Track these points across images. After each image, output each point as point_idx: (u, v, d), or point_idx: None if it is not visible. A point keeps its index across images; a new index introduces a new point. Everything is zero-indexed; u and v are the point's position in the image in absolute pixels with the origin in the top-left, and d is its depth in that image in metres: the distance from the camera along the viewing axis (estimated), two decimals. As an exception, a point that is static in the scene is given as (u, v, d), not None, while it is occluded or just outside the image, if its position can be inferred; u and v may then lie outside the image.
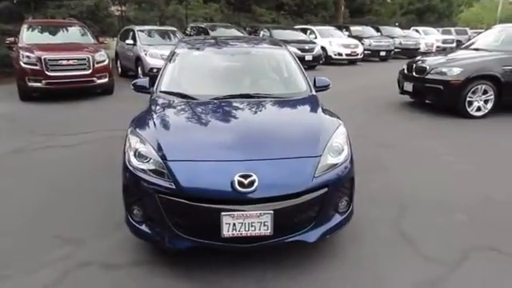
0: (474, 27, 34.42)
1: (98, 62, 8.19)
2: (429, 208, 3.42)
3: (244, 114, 2.98)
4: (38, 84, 7.66)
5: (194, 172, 2.32)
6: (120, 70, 11.80)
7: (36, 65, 7.59)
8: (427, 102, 7.21)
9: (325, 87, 3.68)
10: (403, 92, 7.68)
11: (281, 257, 2.60)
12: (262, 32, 15.43)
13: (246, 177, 2.24)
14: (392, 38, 19.33)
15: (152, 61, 9.68)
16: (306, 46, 14.03)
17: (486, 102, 6.56)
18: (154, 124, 2.74)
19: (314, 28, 17.34)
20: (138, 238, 2.57)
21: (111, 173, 4.15)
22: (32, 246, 2.80)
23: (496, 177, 4.17)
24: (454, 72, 6.51)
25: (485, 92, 6.50)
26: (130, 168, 2.48)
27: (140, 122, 2.85)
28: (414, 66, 7.23)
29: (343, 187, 2.57)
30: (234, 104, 3.07)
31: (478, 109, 6.58)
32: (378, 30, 20.59)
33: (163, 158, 2.39)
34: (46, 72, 7.61)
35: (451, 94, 6.52)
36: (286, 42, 14.96)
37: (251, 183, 2.23)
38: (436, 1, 35.84)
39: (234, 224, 2.22)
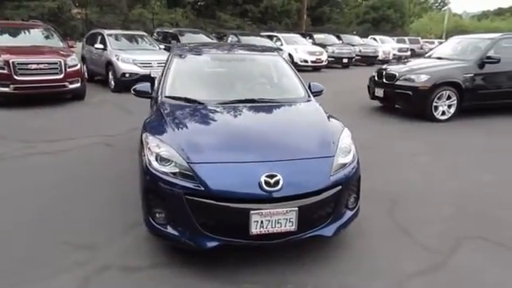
0: (423, 37, 36.78)
1: (69, 67, 7.93)
2: (417, 203, 3.72)
3: (255, 117, 3.12)
4: (6, 89, 7.29)
5: (221, 173, 2.42)
6: (87, 74, 11.43)
7: (3, 68, 7.22)
8: (397, 106, 7.70)
9: (319, 92, 3.91)
10: (374, 97, 8.14)
11: (298, 252, 2.75)
12: (229, 38, 15.59)
13: (271, 177, 2.38)
14: (353, 45, 20.25)
15: (124, 66, 9.51)
16: (275, 53, 14.35)
17: (449, 106, 7.14)
18: (172, 128, 2.80)
19: (279, 35, 17.76)
20: (162, 240, 2.62)
21: (104, 178, 4.13)
22: (43, 253, 2.75)
23: (469, 173, 4.59)
24: (422, 79, 7.03)
25: (448, 97, 7.08)
26: (153, 171, 2.52)
27: (155, 126, 2.90)
28: (384, 73, 7.70)
29: (352, 185, 2.77)
30: (243, 108, 3.20)
31: (443, 113, 7.14)
32: (339, 38, 21.49)
33: (188, 160, 2.46)
34: (15, 76, 7.26)
35: (419, 99, 7.03)
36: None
37: (276, 182, 2.37)
38: (390, 11, 37.96)
39: (262, 221, 2.34)
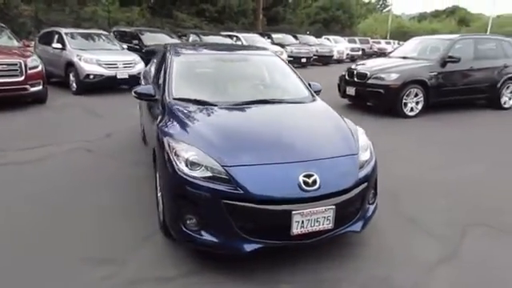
0: (369, 37, 38.66)
1: (30, 68, 7.36)
2: (415, 195, 3.92)
3: (273, 118, 3.12)
4: (-41, 93, 6.63)
5: (259, 176, 2.39)
6: (42, 76, 10.68)
7: (-44, 71, 6.56)
8: (368, 104, 8.04)
9: (318, 92, 3.98)
10: (344, 96, 8.43)
11: (325, 250, 2.79)
12: (191, 37, 15.32)
13: (308, 176, 2.40)
14: (309, 45, 20.78)
15: (88, 67, 9.01)
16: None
17: (417, 103, 7.59)
18: (194, 131, 2.72)
19: (239, 35, 17.74)
20: (195, 247, 2.54)
21: (95, 187, 3.91)
22: (63, 272, 2.55)
23: (452, 163, 4.93)
24: (392, 77, 7.41)
25: (416, 95, 7.52)
26: (183, 177, 2.44)
27: (175, 130, 2.79)
28: (355, 72, 8.01)
29: (373, 181, 2.87)
30: (258, 109, 3.18)
31: (411, 109, 7.58)
32: (296, 38, 21.95)
33: (223, 163, 2.41)
34: (-31, 79, 6.62)
35: (390, 96, 7.40)
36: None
37: (314, 182, 2.40)
38: (339, 12, 39.44)
39: (303, 221, 2.36)
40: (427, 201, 3.80)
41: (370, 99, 7.88)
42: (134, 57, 9.87)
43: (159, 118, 3.15)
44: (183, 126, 2.83)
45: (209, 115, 3.03)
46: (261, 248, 2.40)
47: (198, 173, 2.43)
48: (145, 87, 3.53)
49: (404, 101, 7.45)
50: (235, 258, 2.61)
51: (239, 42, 16.83)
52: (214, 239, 2.41)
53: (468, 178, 4.42)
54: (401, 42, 39.74)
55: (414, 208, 3.62)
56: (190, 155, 2.49)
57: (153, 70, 4.97)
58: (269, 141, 2.72)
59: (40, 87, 7.62)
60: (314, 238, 2.47)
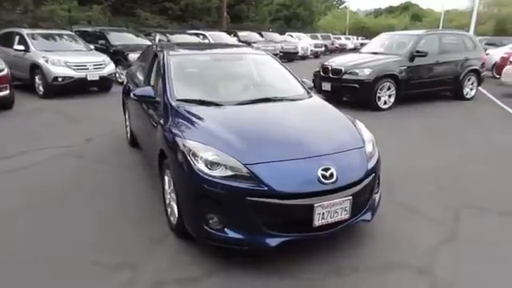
0: (330, 33, 39.68)
1: (-4, 72, 6.97)
2: (406, 183, 4.14)
3: (280, 115, 3.19)
4: None
5: (280, 172, 2.46)
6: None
7: None
8: (344, 99, 8.32)
9: (310, 89, 4.10)
10: (320, 91, 8.65)
11: (335, 241, 2.91)
12: (157, 36, 15.01)
13: (326, 170, 2.51)
14: (275, 42, 21.02)
15: (56, 69, 8.61)
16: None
17: (389, 96, 7.95)
18: (208, 131, 2.74)
19: (206, 33, 17.62)
20: (218, 245, 2.56)
21: (90, 193, 3.82)
22: (80, 278, 2.50)
23: (432, 152, 5.24)
24: (366, 72, 7.71)
25: (388, 88, 7.88)
26: (204, 177, 2.45)
27: (188, 130, 2.78)
28: (330, 68, 8.24)
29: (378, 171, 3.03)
30: (263, 107, 3.25)
31: (385, 102, 7.93)
32: (261, 36, 22.12)
33: (244, 162, 2.45)
34: None
35: (365, 91, 7.70)
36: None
37: (331, 175, 2.51)
38: (300, 9, 40.10)
39: (323, 213, 2.46)
40: (416, 188, 4.03)
41: (346, 94, 8.15)
42: (104, 57, 9.57)
43: (164, 119, 3.13)
44: (195, 126, 2.84)
45: (218, 115, 3.05)
46: (284, 242, 2.47)
47: (218, 172, 2.46)
48: (144, 89, 3.47)
49: (378, 94, 7.78)
50: (254, 253, 2.67)
51: (206, 41, 16.71)
52: (239, 236, 2.45)
53: (448, 165, 4.73)
54: (359, 38, 41.32)
55: (405, 195, 3.83)
56: (208, 155, 2.51)
57: (139, 70, 4.89)
58: (282, 137, 2.79)
59: (7, 92, 7.23)
60: (332, 228, 2.57)
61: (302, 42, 25.44)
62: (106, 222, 3.24)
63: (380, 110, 7.83)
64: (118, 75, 10.44)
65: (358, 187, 2.64)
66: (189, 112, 3.05)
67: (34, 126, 6.53)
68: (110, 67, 9.48)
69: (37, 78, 8.88)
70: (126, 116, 5.37)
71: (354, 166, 2.71)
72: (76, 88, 8.97)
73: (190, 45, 5.33)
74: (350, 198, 2.54)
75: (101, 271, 2.57)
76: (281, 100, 3.49)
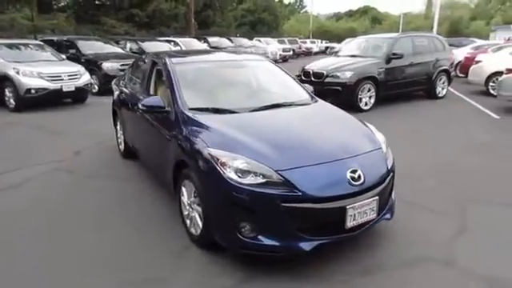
0: (294, 37, 40.43)
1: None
2: (406, 180, 4.25)
3: (296, 120, 3.24)
4: None
5: (312, 176, 2.49)
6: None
7: None
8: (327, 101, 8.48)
9: (312, 93, 4.18)
10: (302, 95, 8.80)
11: (354, 241, 2.97)
12: (128, 44, 14.67)
13: (354, 172, 2.57)
14: (245, 47, 21.14)
15: (28, 80, 8.20)
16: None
17: (370, 97, 8.22)
18: (232, 139, 2.72)
19: (177, 40, 17.46)
20: (253, 253, 2.54)
21: (94, 209, 3.68)
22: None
23: (423, 149, 5.46)
24: (347, 75, 7.93)
25: (369, 90, 8.15)
26: (236, 185, 2.44)
27: (210, 139, 2.74)
28: (312, 71, 8.41)
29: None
30: (277, 113, 3.28)
31: (366, 104, 8.19)
32: (231, 41, 22.17)
33: (276, 168, 2.46)
34: None
35: (347, 93, 7.92)
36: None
37: (359, 176, 2.57)
38: (265, 14, 40.56)
39: (355, 214, 2.52)
40: (415, 184, 4.18)
41: (329, 97, 8.30)
42: (79, 67, 9.23)
43: (178, 129, 3.08)
44: (215, 134, 2.81)
45: (235, 122, 3.03)
46: (319, 245, 2.50)
47: (249, 180, 2.46)
48: (153, 99, 3.37)
49: (359, 96, 8.03)
50: (280, 260, 2.69)
51: (178, 47, 16.54)
52: (275, 243, 2.45)
53: (441, 161, 4.96)
54: (323, 41, 42.33)
55: (408, 192, 3.94)
56: (238, 163, 2.50)
57: (134, 80, 4.78)
58: (306, 142, 2.83)
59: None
60: (360, 229, 2.64)
61: (270, 46, 25.75)
62: (118, 239, 3.12)
63: (362, 111, 8.06)
64: (92, 85, 10.11)
65: (382, 187, 2.73)
66: (204, 120, 3.01)
67: (12, 140, 6.20)
68: (85, 77, 9.16)
69: (6, 90, 8.41)
70: (118, 127, 5.21)
71: (376, 166, 2.79)
72: (50, 100, 8.59)
73: (188, 52, 5.27)
74: (377, 197, 2.62)
75: (131, 288, 2.50)
76: (289, 105, 3.53)
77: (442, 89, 9.65)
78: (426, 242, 3.04)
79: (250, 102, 3.43)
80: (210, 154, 2.61)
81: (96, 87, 10.79)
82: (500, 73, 9.13)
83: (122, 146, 5.15)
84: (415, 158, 5.10)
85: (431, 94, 9.46)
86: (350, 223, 2.51)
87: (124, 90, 4.77)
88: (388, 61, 8.44)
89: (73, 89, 8.72)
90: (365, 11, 65.24)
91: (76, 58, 11.02)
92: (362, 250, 2.90)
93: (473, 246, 2.97)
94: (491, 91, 9.77)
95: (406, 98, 9.16)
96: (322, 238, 2.51)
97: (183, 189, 3.03)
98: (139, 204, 3.76)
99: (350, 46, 9.87)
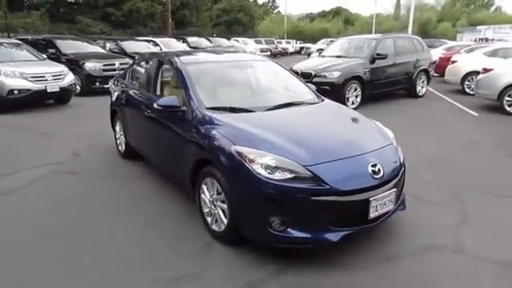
0: (269, 37, 40.78)
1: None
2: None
3: (312, 117, 3.38)
4: None
5: (338, 170, 2.63)
6: None
7: None
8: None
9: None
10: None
11: (366, 233, 3.13)
12: (107, 44, 14.39)
13: (374, 165, 2.73)
14: (223, 47, 21.17)
15: (10, 81, 7.95)
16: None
17: (356, 97, 8.50)
18: (256, 136, 2.82)
19: (157, 40, 17.28)
20: (284, 246, 2.64)
21: (106, 211, 3.70)
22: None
23: (414, 145, 5.70)
24: (335, 75, 8.18)
25: (355, 89, 8.43)
26: (266, 181, 2.54)
27: (234, 137, 2.82)
28: (300, 72, 8.59)
29: (403, 164, 3.32)
30: (293, 111, 3.42)
31: (352, 103, 8.46)
32: (210, 41, 22.15)
33: (304, 163, 2.58)
34: None
35: (335, 92, 8.13)
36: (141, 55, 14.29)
37: (379, 170, 2.74)
38: (240, 14, 40.64)
39: (377, 206, 2.68)
40: (414, 177, 4.39)
41: (317, 96, 8.55)
42: (62, 67, 9.03)
43: (196, 129, 3.14)
44: (240, 133, 2.89)
45: (255, 120, 3.12)
46: (345, 236, 2.64)
47: (277, 175, 2.56)
48: (168, 99, 3.39)
49: (346, 95, 8.29)
50: (305, 251, 2.81)
51: (158, 47, 16.36)
52: (305, 235, 2.57)
53: (433, 156, 5.24)
54: (298, 42, 42.91)
55: (408, 184, 4.19)
56: (266, 160, 2.60)
57: (135, 81, 4.78)
58: (328, 138, 2.97)
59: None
60: (380, 219, 2.81)
61: (248, 46, 25.92)
62: (139, 238, 3.14)
63: (349, 109, 8.32)
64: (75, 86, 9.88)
65: (397, 179, 2.91)
66: (225, 119, 3.09)
67: (2, 143, 6.00)
68: (69, 77, 8.97)
69: (-14, 91, 8.11)
70: (118, 128, 5.18)
71: (391, 160, 2.97)
72: (34, 101, 8.37)
73: (193, 52, 5.30)
74: (395, 189, 2.80)
75: (168, 285, 2.55)
76: (300, 104, 3.66)
77: (422, 88, 10.09)
78: (433, 231, 3.24)
79: (264, 101, 3.54)
80: (237, 152, 2.70)
81: (78, 88, 10.55)
82: (475, 72, 9.70)
83: (122, 147, 5.13)
84: (406, 154, 5.31)
85: (412, 93, 9.87)
86: (372, 214, 2.67)
87: (127, 90, 4.75)
88: (372, 61, 8.75)
89: (57, 89, 8.52)
90: (337, 12, 66.55)
91: (56, 57, 10.72)
92: (378, 241, 3.06)
93: (476, 233, 3.21)
94: (467, 90, 10.33)
95: (389, 97, 9.53)
96: (348, 229, 2.65)
97: (204, 187, 3.09)
98: (151, 204, 3.78)
99: (333, 47, 10.14)
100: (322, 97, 4.07)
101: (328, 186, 2.54)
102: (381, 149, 2.98)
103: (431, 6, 54.59)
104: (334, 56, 9.38)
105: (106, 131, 6.28)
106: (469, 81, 10.28)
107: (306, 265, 2.73)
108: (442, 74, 11.56)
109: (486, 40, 22.86)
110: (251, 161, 2.63)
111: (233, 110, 3.31)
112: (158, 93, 4.10)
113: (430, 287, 2.56)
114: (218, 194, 2.92)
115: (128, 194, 4.04)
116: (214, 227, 3.04)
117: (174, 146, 3.54)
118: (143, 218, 3.49)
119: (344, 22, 60.82)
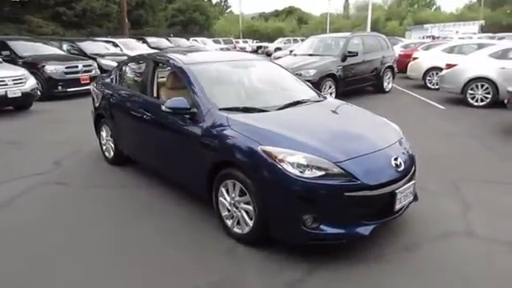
0: (225, 36, 40.68)
1: None
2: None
3: (327, 115, 3.44)
4: None
5: (366, 165, 2.68)
6: None
7: None
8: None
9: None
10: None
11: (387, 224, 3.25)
12: (64, 45, 13.61)
13: (395, 159, 2.83)
14: (183, 48, 20.80)
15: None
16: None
17: (331, 94, 8.71)
18: (281, 136, 2.80)
19: (116, 41, 16.59)
20: (318, 242, 2.66)
21: (109, 221, 3.52)
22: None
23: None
24: (311, 73, 8.34)
25: (330, 87, 8.65)
26: (298, 179, 2.54)
27: (259, 137, 2.77)
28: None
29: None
30: (304, 109, 3.44)
31: (328, 99, 8.66)
32: (169, 42, 21.64)
33: (334, 160, 2.61)
34: None
35: (312, 90, 8.31)
36: (100, 56, 13.85)
37: (400, 163, 2.84)
38: (196, 14, 40.11)
39: (401, 198, 2.78)
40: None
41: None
42: (23, 71, 8.43)
43: (211, 130, 3.07)
44: (263, 132, 2.84)
45: (273, 120, 3.10)
46: (373, 228, 2.71)
47: (308, 173, 2.57)
48: (177, 101, 3.24)
49: (322, 93, 8.46)
50: (331, 247, 2.85)
51: (118, 48, 15.74)
52: (338, 230, 2.60)
53: (417, 148, 5.45)
54: (254, 41, 43.18)
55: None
56: (297, 159, 2.59)
57: (127, 83, 4.57)
58: (348, 135, 3.01)
59: None
60: (402, 210, 2.91)
61: (207, 46, 25.70)
62: (157, 248, 3.00)
63: (325, 106, 8.52)
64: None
65: (413, 171, 3.03)
66: (243, 120, 3.03)
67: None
68: (31, 82, 8.40)
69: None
70: (104, 134, 4.92)
71: (406, 153, 3.09)
72: (-7, 107, 7.76)
73: (189, 52, 5.16)
74: (414, 181, 2.92)
75: (204, 290, 2.48)
76: (306, 102, 3.69)
77: (388, 84, 10.56)
78: (442, 219, 3.40)
79: (273, 100, 3.53)
80: (265, 152, 2.67)
81: (39, 92, 9.87)
82: (435, 68, 10.30)
83: (109, 153, 4.88)
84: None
85: (379, 89, 10.30)
86: (398, 206, 2.77)
87: (117, 93, 4.52)
88: (344, 59, 9.02)
89: (19, 94, 7.96)
90: (290, 11, 67.76)
91: (11, 60, 9.98)
92: (393, 233, 3.15)
93: (482, 217, 3.41)
94: (428, 85, 10.95)
95: (359, 93, 9.87)
96: (376, 222, 2.72)
97: (222, 189, 3.03)
98: (155, 212, 3.62)
99: (305, 46, 10.33)
100: (324, 94, 4.13)
101: (359, 181, 2.59)
102: (397, 142, 3.09)
103: (379, 5, 57.23)
104: (306, 54, 9.55)
105: (83, 138, 5.98)
106: (430, 76, 10.90)
107: (336, 261, 2.76)
108: (402, 70, 12.15)
109: (433, 37, 24.33)
110: (281, 160, 2.61)
111: (246, 109, 3.26)
112: (155, 95, 3.96)
113: (456, 270, 2.67)
114: (240, 196, 2.87)
115: (128, 203, 3.85)
116: (237, 230, 2.99)
117: (182, 149, 3.43)
118: (153, 227, 3.35)
119: (298, 21, 62.05)
